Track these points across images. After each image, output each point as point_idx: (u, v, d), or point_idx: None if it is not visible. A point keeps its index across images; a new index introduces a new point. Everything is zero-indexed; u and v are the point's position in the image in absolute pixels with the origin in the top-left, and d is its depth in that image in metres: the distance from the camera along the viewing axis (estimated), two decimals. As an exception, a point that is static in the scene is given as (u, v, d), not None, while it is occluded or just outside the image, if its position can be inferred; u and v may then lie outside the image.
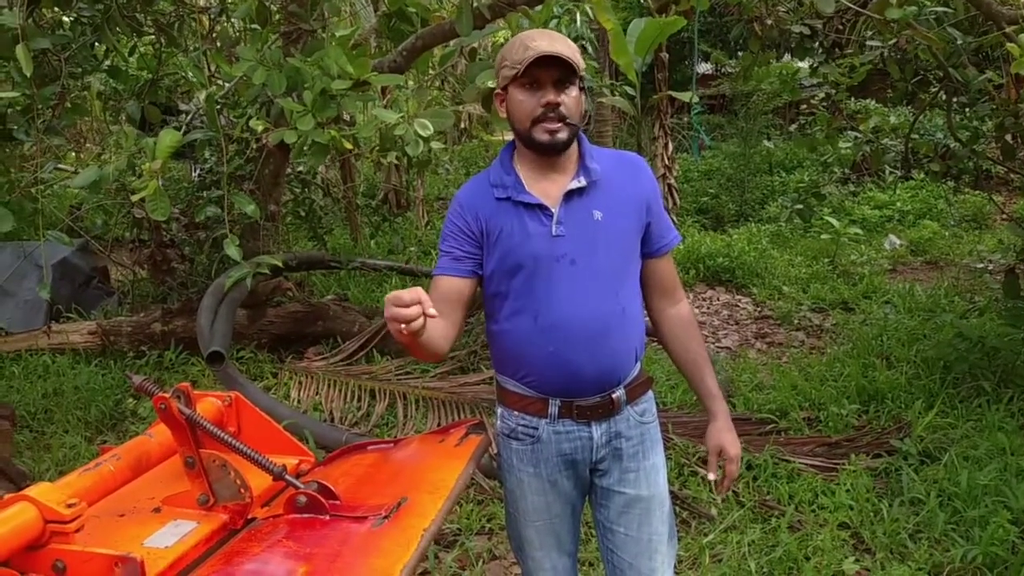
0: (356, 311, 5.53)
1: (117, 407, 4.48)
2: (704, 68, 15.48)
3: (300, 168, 6.32)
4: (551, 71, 1.68)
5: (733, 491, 3.41)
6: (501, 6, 3.35)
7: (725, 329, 6.17)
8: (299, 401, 4.51)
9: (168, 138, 2.48)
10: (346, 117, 5.48)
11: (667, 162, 9.03)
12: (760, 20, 4.80)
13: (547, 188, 1.78)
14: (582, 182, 1.76)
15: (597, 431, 1.82)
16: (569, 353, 1.71)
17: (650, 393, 1.93)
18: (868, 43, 4.70)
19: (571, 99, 1.70)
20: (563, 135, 1.71)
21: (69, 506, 1.33)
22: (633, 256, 1.82)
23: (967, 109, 5.39)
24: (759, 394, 4.47)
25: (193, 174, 6.80)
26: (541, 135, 1.71)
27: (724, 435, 1.91)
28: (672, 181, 9.09)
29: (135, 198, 2.51)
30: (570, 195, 1.76)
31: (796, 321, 6.10)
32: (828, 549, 2.95)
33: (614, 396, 1.81)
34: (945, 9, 4.29)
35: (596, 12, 7.36)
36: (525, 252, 1.74)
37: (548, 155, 1.76)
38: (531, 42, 1.68)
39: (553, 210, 1.76)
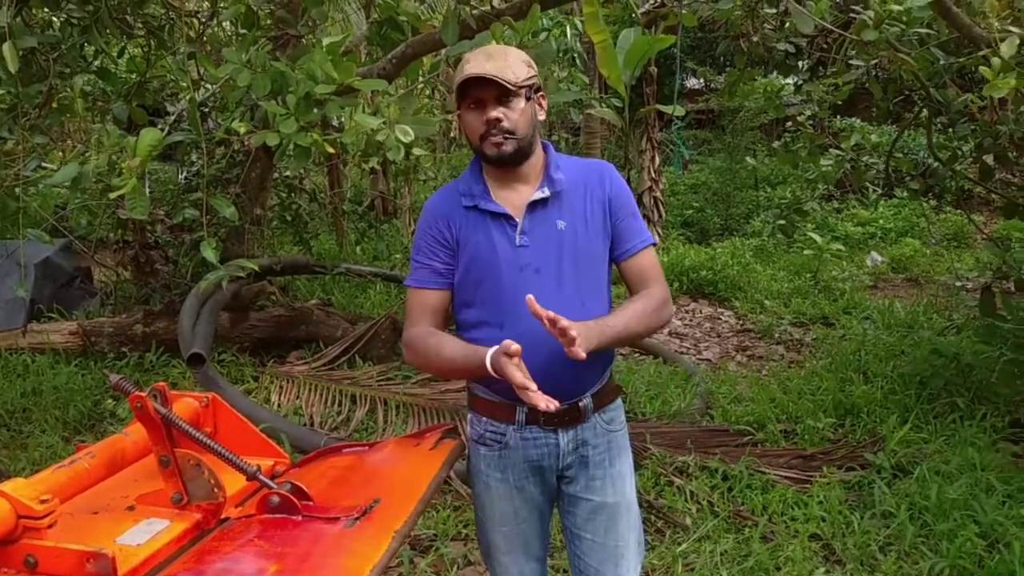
0: (340, 316, 5.54)
1: (96, 408, 4.47)
2: (693, 83, 15.61)
3: (287, 173, 6.34)
4: (490, 89, 1.72)
5: (708, 501, 3.44)
6: (488, 17, 3.39)
7: (707, 341, 6.22)
8: (279, 405, 4.51)
9: (149, 137, 2.49)
10: (335, 123, 5.51)
11: (653, 175, 9.12)
12: (746, 37, 4.85)
13: (512, 198, 1.82)
14: (545, 192, 1.80)
15: (564, 438, 1.84)
16: (535, 361, 1.72)
17: (619, 401, 1.95)
18: (852, 62, 4.77)
19: (516, 112, 1.74)
20: (509, 148, 1.75)
21: (42, 502, 1.34)
22: (600, 264, 1.85)
23: (949, 129, 5.47)
24: (737, 406, 4.52)
25: (179, 177, 6.79)
26: (489, 150, 1.76)
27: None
28: (658, 194, 9.17)
29: (113, 195, 2.52)
30: (534, 206, 1.80)
31: (777, 335, 6.16)
32: (799, 560, 2.98)
33: (581, 404, 1.83)
34: (928, 31, 4.36)
35: (586, 24, 7.43)
36: (490, 262, 1.78)
37: (503, 167, 1.80)
38: (466, 64, 1.74)
39: (517, 220, 1.79)
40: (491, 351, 1.66)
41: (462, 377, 1.86)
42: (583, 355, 1.58)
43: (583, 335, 1.59)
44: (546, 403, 1.57)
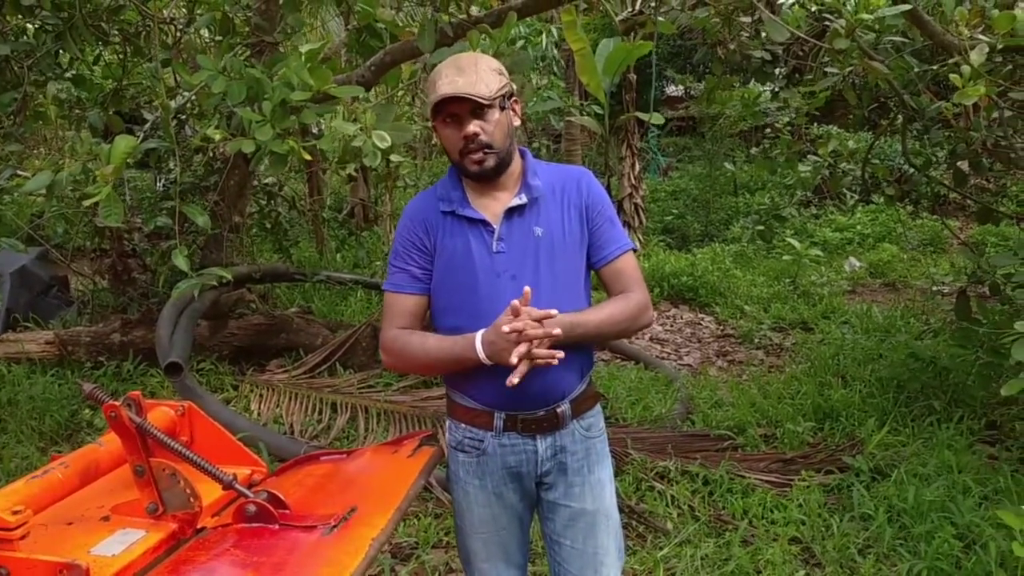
0: (320, 324, 5.52)
1: (73, 418, 4.41)
2: (672, 90, 15.72)
3: (267, 180, 6.31)
4: (464, 104, 1.72)
5: (689, 505, 3.45)
6: (465, 25, 3.40)
7: (687, 347, 6.25)
8: (259, 414, 4.48)
9: (123, 144, 2.47)
10: (314, 130, 5.49)
11: (634, 181, 9.15)
12: (723, 44, 4.89)
13: (490, 204, 1.82)
14: (523, 199, 1.81)
15: (542, 444, 1.84)
16: (511, 370, 1.72)
17: (598, 408, 1.95)
18: (827, 70, 4.82)
19: (492, 124, 1.74)
20: (490, 162, 1.76)
21: (14, 513, 1.33)
22: (577, 271, 1.85)
23: (924, 136, 5.54)
24: (718, 411, 4.54)
25: (157, 184, 6.74)
26: (470, 166, 1.77)
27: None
28: (639, 200, 9.20)
29: (87, 203, 2.50)
30: (511, 212, 1.81)
31: (757, 340, 6.20)
32: (779, 563, 3.00)
33: (559, 410, 1.83)
34: (903, 39, 4.42)
35: (565, 32, 7.47)
36: (467, 268, 1.79)
37: (483, 181, 1.81)
38: (439, 80, 1.73)
39: (495, 226, 1.80)
40: (482, 331, 1.70)
41: (447, 371, 1.85)
42: (560, 354, 1.65)
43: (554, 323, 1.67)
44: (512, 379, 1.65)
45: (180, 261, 2.66)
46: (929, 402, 4.32)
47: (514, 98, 1.84)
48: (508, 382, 1.64)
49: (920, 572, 2.92)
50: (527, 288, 1.66)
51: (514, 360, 1.63)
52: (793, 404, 4.55)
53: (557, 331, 1.64)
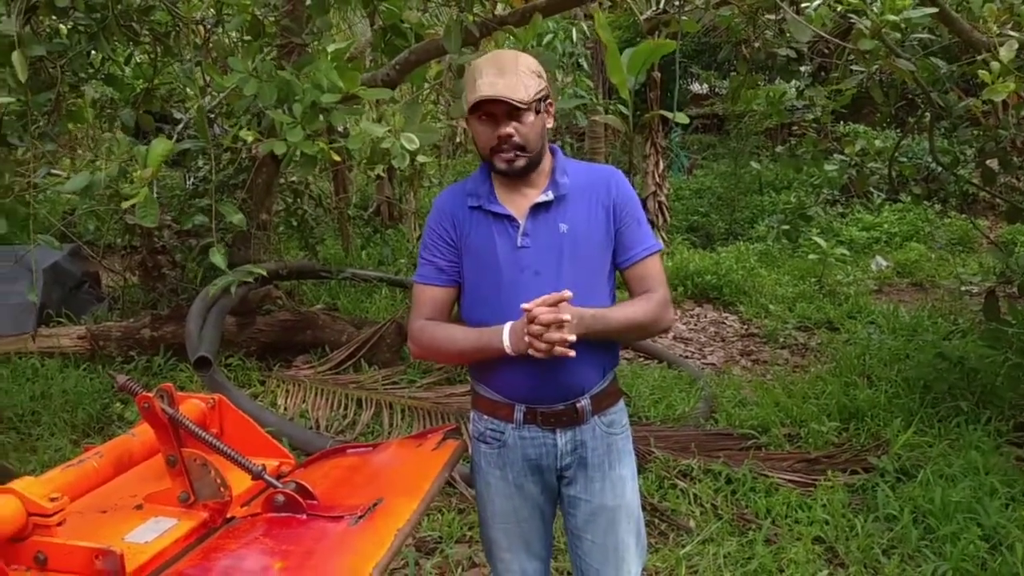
0: (345, 321, 5.57)
1: (104, 411, 4.50)
2: (697, 88, 15.65)
3: (293, 178, 6.38)
4: (502, 105, 1.73)
5: (711, 504, 3.45)
6: (490, 24, 3.42)
7: (711, 346, 6.23)
8: (286, 409, 4.54)
9: (160, 146, 2.53)
10: (340, 129, 5.54)
11: (658, 180, 9.13)
12: (747, 43, 4.88)
13: (517, 200, 1.84)
14: (550, 196, 1.82)
15: (562, 439, 1.86)
16: (532, 362, 1.73)
17: (620, 404, 1.96)
18: (852, 68, 4.78)
19: (527, 126, 1.75)
20: (521, 163, 1.78)
21: (52, 500, 1.37)
22: (601, 268, 1.86)
23: (952, 134, 5.48)
24: (742, 410, 4.52)
25: (187, 182, 6.83)
26: (500, 164, 1.79)
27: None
28: (663, 198, 9.18)
29: (125, 205, 2.55)
30: (537, 208, 1.82)
31: (781, 339, 6.16)
32: (802, 562, 2.99)
33: (579, 405, 1.85)
34: (930, 36, 4.37)
35: (597, 28, 7.50)
36: (492, 262, 1.81)
37: (511, 178, 1.83)
38: (480, 78, 1.74)
39: (520, 222, 1.81)
40: (510, 323, 1.73)
41: (471, 361, 1.90)
42: (571, 338, 1.66)
43: (576, 320, 1.68)
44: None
45: (218, 259, 2.72)
46: (956, 403, 4.27)
47: (549, 100, 1.85)
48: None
49: (945, 573, 2.90)
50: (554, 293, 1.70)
51: (525, 340, 1.67)
52: (818, 404, 4.52)
53: (566, 316, 1.66)
